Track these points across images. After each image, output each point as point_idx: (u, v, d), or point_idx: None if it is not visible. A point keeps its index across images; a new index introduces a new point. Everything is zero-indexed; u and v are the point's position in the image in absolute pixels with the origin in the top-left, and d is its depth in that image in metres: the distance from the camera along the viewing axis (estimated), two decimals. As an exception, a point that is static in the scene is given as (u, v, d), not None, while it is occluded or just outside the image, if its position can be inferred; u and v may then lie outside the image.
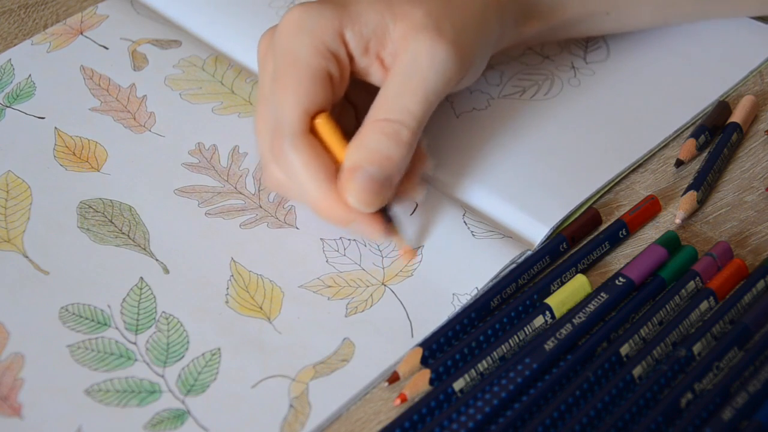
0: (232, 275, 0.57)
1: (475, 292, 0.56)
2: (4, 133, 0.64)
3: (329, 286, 0.57)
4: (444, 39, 0.56)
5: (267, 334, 0.55)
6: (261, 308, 0.56)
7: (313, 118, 0.56)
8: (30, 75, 0.67)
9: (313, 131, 0.56)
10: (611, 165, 0.62)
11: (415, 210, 0.60)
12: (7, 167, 0.62)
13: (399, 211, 0.59)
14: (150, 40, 0.70)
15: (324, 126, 0.56)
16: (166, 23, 0.71)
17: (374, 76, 0.58)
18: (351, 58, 0.57)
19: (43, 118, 0.65)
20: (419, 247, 0.58)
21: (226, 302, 0.56)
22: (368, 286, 0.57)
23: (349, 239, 0.59)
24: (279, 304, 0.56)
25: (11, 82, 0.67)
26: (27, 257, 0.58)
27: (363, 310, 0.56)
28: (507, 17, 0.60)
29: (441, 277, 0.57)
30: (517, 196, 0.60)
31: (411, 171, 0.58)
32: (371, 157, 0.55)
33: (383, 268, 0.58)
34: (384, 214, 0.56)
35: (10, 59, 0.68)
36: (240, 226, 0.60)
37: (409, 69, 0.55)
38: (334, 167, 0.56)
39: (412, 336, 0.55)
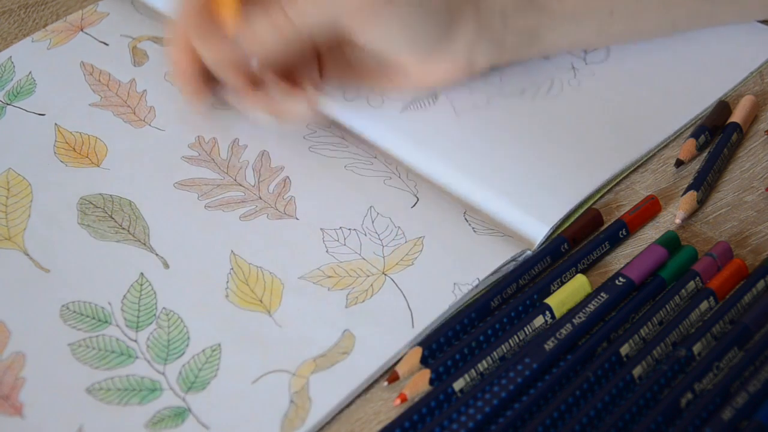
0: (232, 268, 0.57)
1: (477, 282, 0.56)
2: (5, 130, 0.64)
3: (329, 277, 0.57)
4: None
5: (267, 328, 0.55)
6: (261, 301, 0.56)
7: None
8: (30, 72, 0.67)
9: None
10: (611, 165, 0.62)
11: (416, 204, 0.60)
12: (8, 165, 0.62)
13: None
14: (150, 37, 0.70)
15: None
16: (167, 22, 0.71)
17: None
18: None
19: (43, 114, 0.65)
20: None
21: (226, 296, 0.56)
22: (368, 276, 0.57)
23: (349, 229, 0.59)
24: (279, 297, 0.56)
25: (12, 79, 0.67)
26: (28, 255, 0.58)
27: (363, 301, 0.56)
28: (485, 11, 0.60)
29: (442, 266, 0.57)
30: (517, 196, 0.60)
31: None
32: (248, 34, 0.58)
33: (383, 257, 0.58)
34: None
35: (10, 57, 0.68)
36: (240, 218, 0.60)
37: None
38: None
39: (413, 326, 0.55)
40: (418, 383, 0.52)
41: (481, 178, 0.61)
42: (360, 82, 0.65)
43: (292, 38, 0.58)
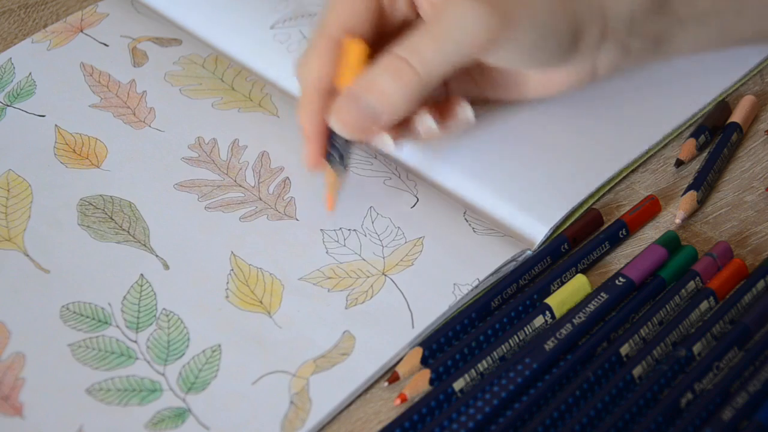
0: (232, 269, 0.57)
1: (476, 282, 0.56)
2: (5, 132, 0.64)
3: (329, 278, 0.57)
4: (488, 1, 0.55)
5: (267, 329, 0.55)
6: (261, 302, 0.56)
7: (350, 37, 0.57)
8: (30, 73, 0.67)
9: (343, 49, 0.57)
10: (611, 164, 0.62)
11: (416, 204, 0.60)
12: (8, 166, 0.62)
13: (350, 159, 0.59)
14: (150, 37, 0.69)
15: (351, 49, 0.57)
16: (167, 23, 0.71)
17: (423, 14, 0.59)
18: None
19: (43, 116, 0.65)
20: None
21: (226, 297, 0.56)
22: (368, 277, 0.57)
23: (349, 229, 0.59)
24: (279, 298, 0.56)
25: (12, 80, 0.67)
26: (28, 256, 0.58)
27: (363, 302, 0.56)
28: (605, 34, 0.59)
29: (442, 266, 0.57)
30: (517, 196, 0.60)
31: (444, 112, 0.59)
32: (367, 85, 0.55)
33: (383, 258, 0.58)
34: (331, 150, 0.58)
35: (10, 58, 0.68)
36: (240, 219, 0.60)
37: (438, 16, 0.55)
38: (331, 81, 0.57)
39: (413, 326, 0.55)
40: (418, 383, 0.52)
41: (481, 178, 0.61)
42: (482, 93, 0.63)
43: (420, 90, 0.55)
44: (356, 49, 0.57)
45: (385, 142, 0.58)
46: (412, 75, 0.55)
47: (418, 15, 0.59)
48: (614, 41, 0.59)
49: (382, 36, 0.59)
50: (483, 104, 0.63)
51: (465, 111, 0.59)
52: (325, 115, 0.57)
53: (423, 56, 0.55)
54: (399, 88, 0.55)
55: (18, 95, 0.66)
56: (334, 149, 0.58)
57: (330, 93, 0.57)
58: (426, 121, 0.58)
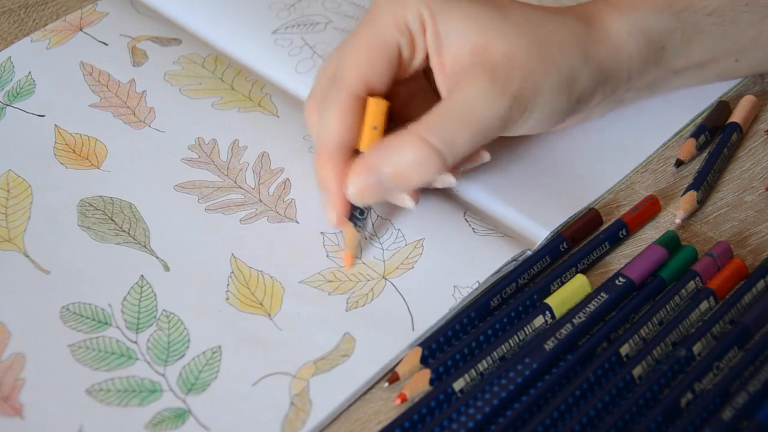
0: (233, 271, 0.57)
1: (477, 285, 0.56)
2: (5, 132, 0.64)
3: (330, 281, 0.57)
4: (507, 93, 0.55)
5: (267, 330, 0.55)
6: (261, 304, 0.56)
7: (369, 91, 0.56)
8: (30, 72, 0.67)
9: (363, 104, 0.56)
10: (613, 169, 0.62)
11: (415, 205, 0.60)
12: (8, 166, 0.62)
13: (370, 218, 0.59)
14: (150, 37, 0.69)
15: (374, 107, 0.56)
16: (166, 22, 0.71)
17: (437, 79, 0.57)
18: (426, 52, 0.57)
19: (43, 116, 0.65)
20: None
21: (227, 299, 0.56)
22: (369, 280, 0.57)
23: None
24: (279, 300, 0.56)
25: (11, 80, 0.67)
26: (28, 257, 0.58)
27: (363, 305, 0.56)
28: (612, 78, 0.59)
29: (442, 269, 0.57)
30: (518, 200, 0.60)
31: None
32: (392, 167, 0.54)
33: (384, 261, 0.58)
34: (355, 210, 0.57)
35: (9, 57, 0.68)
36: (240, 221, 0.60)
37: (468, 104, 0.55)
38: (353, 142, 0.56)
39: (413, 329, 0.55)
40: (418, 383, 0.52)
41: (482, 181, 0.61)
42: None
43: (442, 171, 0.55)
44: (379, 108, 0.56)
45: (405, 202, 0.57)
46: (438, 163, 0.54)
47: (428, 65, 0.58)
48: (612, 97, 0.60)
49: (395, 83, 0.59)
50: None
51: (481, 157, 0.58)
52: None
53: (453, 145, 0.54)
54: (423, 175, 0.54)
55: (17, 95, 0.66)
56: (356, 208, 0.57)
57: (350, 150, 0.56)
58: (446, 178, 0.57)
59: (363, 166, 0.55)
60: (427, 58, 0.57)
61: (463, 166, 0.58)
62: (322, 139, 0.56)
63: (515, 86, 0.55)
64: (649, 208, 0.60)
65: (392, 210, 0.60)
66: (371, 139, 0.56)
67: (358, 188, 0.55)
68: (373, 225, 0.59)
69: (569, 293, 0.55)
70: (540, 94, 0.56)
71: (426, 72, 0.59)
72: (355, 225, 0.57)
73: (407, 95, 0.60)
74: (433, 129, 0.54)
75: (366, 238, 0.59)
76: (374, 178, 0.55)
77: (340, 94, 0.56)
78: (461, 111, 0.54)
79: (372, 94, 0.56)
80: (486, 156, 0.58)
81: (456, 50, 0.56)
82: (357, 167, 0.55)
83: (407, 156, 0.54)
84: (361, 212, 0.57)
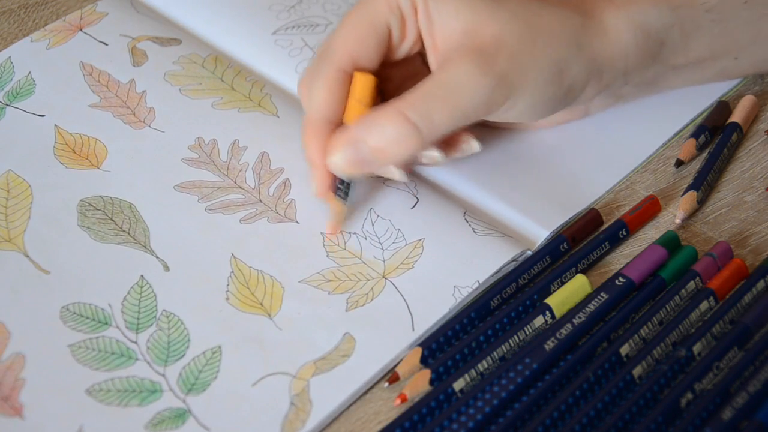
0: (233, 271, 0.57)
1: (477, 285, 0.56)
2: (5, 132, 0.64)
3: (330, 281, 0.57)
4: (491, 73, 0.55)
5: (267, 330, 0.55)
6: (261, 304, 0.56)
7: (357, 67, 0.57)
8: (30, 72, 0.67)
9: (350, 79, 0.57)
10: (613, 169, 0.62)
11: (416, 205, 0.60)
12: (8, 166, 0.62)
13: (355, 190, 0.59)
14: (150, 37, 0.69)
15: (360, 81, 0.57)
16: (166, 22, 0.71)
17: (429, 60, 0.58)
18: (418, 35, 0.58)
19: (43, 115, 0.65)
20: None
21: (227, 299, 0.56)
22: (369, 280, 0.57)
23: (349, 233, 0.59)
24: (279, 300, 0.56)
25: (11, 80, 0.67)
26: (28, 257, 0.58)
27: (363, 304, 0.56)
28: (605, 67, 0.59)
29: (442, 269, 0.57)
30: (518, 200, 0.60)
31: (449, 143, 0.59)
32: (371, 140, 0.55)
33: (384, 261, 0.58)
34: (338, 181, 0.58)
35: (9, 57, 0.68)
36: (240, 221, 0.60)
37: (450, 83, 0.55)
38: (339, 116, 0.57)
39: (413, 329, 0.55)
40: (418, 383, 0.52)
41: (482, 182, 0.61)
42: (485, 124, 0.62)
43: (420, 149, 0.56)
44: (365, 82, 0.57)
45: (392, 173, 0.58)
46: (417, 139, 0.55)
47: (422, 48, 0.59)
48: (608, 91, 0.61)
49: (385, 65, 0.59)
50: (485, 128, 0.63)
51: (470, 145, 0.59)
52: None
53: (433, 122, 0.55)
54: (403, 150, 0.55)
55: (17, 94, 0.66)
56: (340, 180, 0.58)
57: (336, 123, 0.57)
58: (430, 152, 0.58)
59: (344, 138, 0.56)
60: (420, 40, 0.58)
61: (451, 154, 0.58)
62: (309, 112, 0.58)
63: (499, 67, 0.55)
64: (649, 208, 0.60)
65: (392, 210, 0.60)
66: (356, 113, 0.57)
67: (338, 160, 0.56)
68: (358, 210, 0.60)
69: (569, 293, 0.55)
70: (526, 78, 0.56)
71: (422, 56, 0.60)
72: (338, 196, 0.58)
73: (402, 78, 0.60)
74: (414, 105, 0.55)
75: (350, 210, 0.59)
76: (354, 150, 0.55)
77: (327, 69, 0.57)
78: (443, 89, 0.55)
79: (360, 71, 0.57)
80: (475, 145, 0.58)
81: (448, 31, 0.56)
82: (337, 139, 0.56)
83: (387, 130, 0.55)
84: (345, 183, 0.58)
